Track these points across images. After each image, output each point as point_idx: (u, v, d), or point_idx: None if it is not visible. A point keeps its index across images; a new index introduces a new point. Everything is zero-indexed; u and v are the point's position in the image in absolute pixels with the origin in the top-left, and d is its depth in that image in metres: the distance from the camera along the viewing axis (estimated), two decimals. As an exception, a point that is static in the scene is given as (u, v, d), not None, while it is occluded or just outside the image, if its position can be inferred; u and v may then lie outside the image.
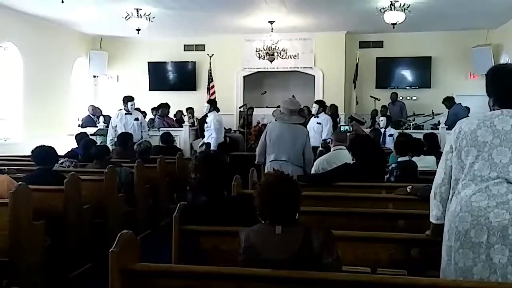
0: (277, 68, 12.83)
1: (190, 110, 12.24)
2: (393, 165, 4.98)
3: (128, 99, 9.28)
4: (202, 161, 3.23)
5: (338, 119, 11.08)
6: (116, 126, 9.13)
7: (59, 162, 6.20)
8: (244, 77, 13.46)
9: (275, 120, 5.75)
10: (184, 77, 13.87)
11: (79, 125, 11.59)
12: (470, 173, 2.37)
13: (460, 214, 2.35)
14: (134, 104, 9.26)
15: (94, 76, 14.08)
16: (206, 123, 9.64)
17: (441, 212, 2.51)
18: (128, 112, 9.17)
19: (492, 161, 2.34)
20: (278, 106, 6.21)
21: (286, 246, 2.30)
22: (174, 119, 12.03)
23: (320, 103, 9.20)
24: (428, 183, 2.67)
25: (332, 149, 5.59)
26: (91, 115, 11.69)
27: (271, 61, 12.07)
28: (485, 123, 2.39)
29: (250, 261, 2.30)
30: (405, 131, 9.66)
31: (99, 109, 12.14)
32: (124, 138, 7.99)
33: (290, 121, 5.56)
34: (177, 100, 12.65)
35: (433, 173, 2.63)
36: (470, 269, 2.30)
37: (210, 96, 13.10)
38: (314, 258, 2.27)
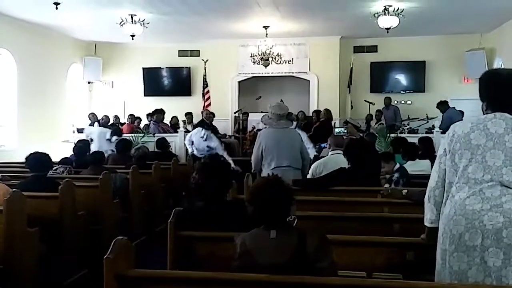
0: (271, 73, 12.86)
1: (189, 115, 12.24)
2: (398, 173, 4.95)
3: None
4: (208, 164, 3.19)
5: (333, 123, 11.10)
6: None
7: (54, 168, 6.18)
8: (239, 82, 13.48)
9: (266, 126, 5.71)
10: (179, 82, 13.89)
11: (74, 131, 11.58)
12: (464, 176, 2.38)
13: (454, 217, 2.35)
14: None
15: (89, 82, 14.07)
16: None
17: (435, 216, 2.51)
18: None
19: (486, 164, 2.34)
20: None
21: (281, 250, 2.30)
22: (169, 124, 12.01)
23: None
24: (423, 187, 2.67)
25: (329, 153, 5.57)
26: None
27: (265, 66, 12.10)
28: (478, 126, 2.40)
29: (246, 266, 2.30)
30: (399, 135, 9.68)
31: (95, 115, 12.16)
32: (124, 146, 7.97)
33: (279, 126, 5.51)
34: (172, 106, 12.65)
35: (428, 177, 2.63)
36: (465, 272, 2.30)
37: (205, 102, 13.11)
38: (309, 262, 2.27)
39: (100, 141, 9.44)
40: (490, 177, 2.33)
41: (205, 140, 9.15)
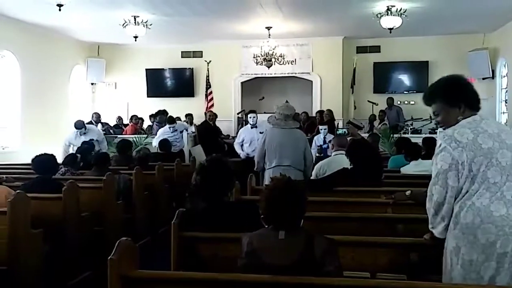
0: (274, 73, 12.86)
1: (189, 116, 12.25)
2: None
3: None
4: (208, 165, 3.18)
5: (336, 124, 11.10)
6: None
7: (61, 171, 6.16)
8: (241, 83, 13.49)
9: (273, 126, 5.73)
10: (181, 83, 13.90)
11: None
12: (484, 182, 2.35)
13: (482, 225, 2.32)
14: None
15: (92, 84, 14.10)
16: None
17: (445, 228, 2.47)
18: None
19: (500, 165, 2.34)
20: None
21: (288, 251, 2.29)
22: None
23: (255, 112, 9.15)
24: (427, 187, 2.65)
25: (333, 153, 5.61)
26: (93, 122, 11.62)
27: (268, 67, 12.11)
28: (478, 130, 2.39)
29: (252, 265, 2.29)
30: (403, 135, 9.67)
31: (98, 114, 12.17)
32: (123, 146, 7.98)
33: (287, 126, 5.57)
34: (175, 107, 12.63)
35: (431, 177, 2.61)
36: (493, 278, 2.30)
37: (208, 103, 13.16)
38: (316, 265, 2.26)
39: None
40: (506, 178, 2.34)
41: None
